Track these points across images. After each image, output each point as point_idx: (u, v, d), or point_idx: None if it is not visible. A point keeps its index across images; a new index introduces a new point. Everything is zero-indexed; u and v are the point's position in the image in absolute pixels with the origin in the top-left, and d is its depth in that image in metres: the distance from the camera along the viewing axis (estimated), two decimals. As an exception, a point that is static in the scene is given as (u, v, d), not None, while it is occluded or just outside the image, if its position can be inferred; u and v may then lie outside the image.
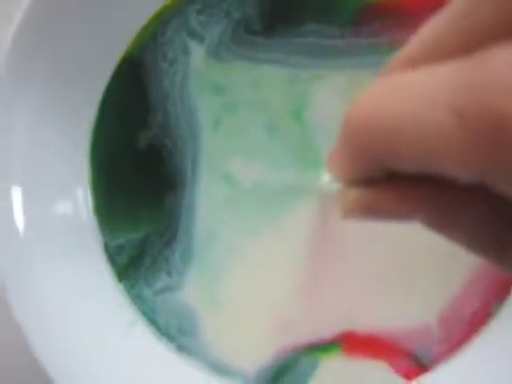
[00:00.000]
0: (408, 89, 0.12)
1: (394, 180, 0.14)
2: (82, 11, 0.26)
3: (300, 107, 0.27)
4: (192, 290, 0.27)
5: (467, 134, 0.11)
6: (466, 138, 0.11)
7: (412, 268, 0.27)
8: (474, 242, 0.15)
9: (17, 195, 0.26)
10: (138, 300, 0.27)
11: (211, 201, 0.27)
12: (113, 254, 0.28)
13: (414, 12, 0.27)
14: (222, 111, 0.27)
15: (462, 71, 0.11)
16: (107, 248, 0.28)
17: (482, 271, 0.27)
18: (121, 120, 0.27)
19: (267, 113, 0.27)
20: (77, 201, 0.27)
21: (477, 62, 0.11)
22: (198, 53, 0.27)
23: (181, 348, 0.27)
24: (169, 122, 0.27)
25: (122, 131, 0.27)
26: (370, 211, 0.15)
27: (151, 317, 0.27)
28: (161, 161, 0.27)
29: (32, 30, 0.25)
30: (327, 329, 0.27)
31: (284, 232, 0.27)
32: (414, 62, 0.14)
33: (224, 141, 0.27)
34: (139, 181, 0.27)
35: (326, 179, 0.27)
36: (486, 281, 0.27)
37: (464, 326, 0.27)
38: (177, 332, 0.27)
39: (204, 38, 0.27)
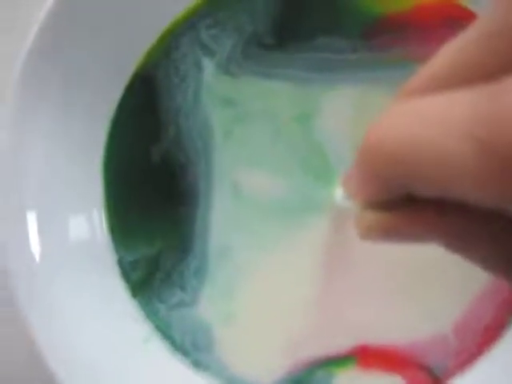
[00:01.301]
0: (428, 115, 0.12)
1: (411, 203, 0.15)
2: (94, 26, 0.26)
3: (309, 117, 0.27)
4: (206, 305, 0.27)
5: (486, 164, 0.11)
6: (485, 167, 0.11)
7: (426, 279, 0.27)
8: (489, 261, 0.15)
9: (32, 218, 0.26)
10: (152, 315, 0.28)
11: (224, 215, 0.27)
12: (127, 270, 0.28)
13: (424, 25, 0.27)
14: (232, 123, 0.27)
15: (483, 99, 0.11)
16: (121, 264, 0.28)
17: (496, 282, 0.27)
18: (133, 136, 0.28)
19: (276, 123, 0.27)
20: (91, 218, 0.28)
21: (497, 91, 0.11)
22: (209, 67, 0.27)
23: (196, 363, 0.27)
24: (181, 136, 0.28)
25: (135, 147, 0.28)
26: (388, 234, 0.15)
27: (166, 332, 0.28)
28: (174, 176, 0.28)
29: (45, 48, 0.25)
30: (342, 343, 0.27)
31: (297, 246, 0.27)
32: (432, 87, 0.14)
33: (235, 153, 0.28)
34: (153, 196, 0.28)
35: (339, 194, 0.27)
36: (500, 292, 0.27)
37: (478, 338, 0.27)
38: (192, 347, 0.27)
39: (215, 53, 0.27)
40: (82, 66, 0.26)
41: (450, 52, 0.14)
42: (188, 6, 0.27)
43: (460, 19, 0.26)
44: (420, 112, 0.13)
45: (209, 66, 0.27)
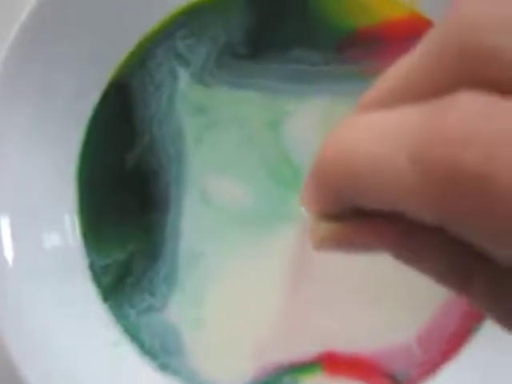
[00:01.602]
0: (377, 132, 0.13)
1: (362, 215, 0.15)
2: (72, 34, 0.27)
3: (278, 127, 0.28)
4: (175, 311, 0.28)
5: (425, 182, 0.12)
6: (424, 185, 0.12)
7: (390, 289, 0.27)
8: (440, 274, 0.15)
9: (5, 223, 0.26)
10: (122, 320, 0.28)
11: (194, 222, 0.28)
12: (98, 274, 0.28)
13: (394, 39, 0.27)
14: (204, 130, 0.28)
15: (424, 119, 0.12)
16: (93, 268, 0.28)
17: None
18: (108, 143, 0.28)
19: (246, 132, 0.28)
20: (64, 223, 0.28)
21: (438, 111, 0.12)
22: (184, 76, 0.28)
23: (164, 367, 0.28)
24: (155, 143, 0.28)
25: (109, 154, 0.28)
26: (340, 244, 0.16)
27: (135, 336, 0.28)
28: (147, 182, 0.28)
29: (21, 56, 0.25)
30: (308, 349, 0.28)
31: (265, 253, 0.28)
32: (382, 102, 0.14)
33: (205, 160, 0.28)
34: (125, 203, 0.28)
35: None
36: (464, 301, 0.28)
37: (442, 347, 0.27)
38: (161, 351, 0.28)
39: (190, 63, 0.28)
40: (59, 73, 0.27)
41: (404, 67, 0.14)
42: (164, 16, 0.28)
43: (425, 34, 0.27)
44: (367, 127, 0.13)
45: (183, 75, 0.28)
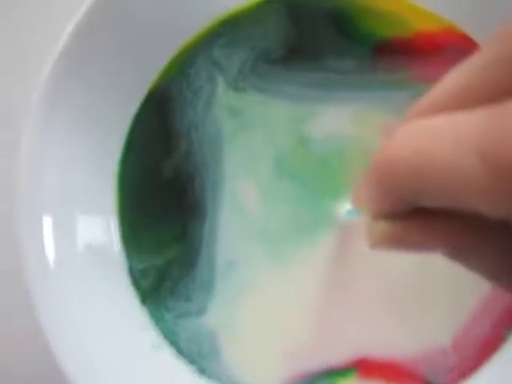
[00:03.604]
0: (439, 132, 0.13)
1: (421, 213, 0.15)
2: (113, 45, 0.27)
3: (308, 135, 0.28)
4: (211, 316, 0.28)
5: (494, 178, 0.12)
6: (493, 182, 0.12)
7: (426, 294, 0.28)
8: (494, 272, 0.16)
9: (47, 224, 0.27)
10: (160, 323, 0.28)
11: (230, 228, 0.28)
12: (137, 278, 0.28)
13: (431, 50, 0.28)
14: (236, 133, 0.28)
15: (491, 118, 0.13)
16: (132, 271, 0.28)
17: (495, 295, 0.28)
18: (147, 151, 0.29)
19: (276, 140, 0.28)
20: (105, 225, 0.28)
21: (502, 112, 0.12)
22: (220, 82, 0.29)
23: (201, 371, 0.28)
24: (192, 149, 0.29)
25: (149, 161, 0.29)
26: (398, 243, 0.16)
27: (173, 339, 0.28)
28: (185, 188, 0.29)
29: (68, 65, 0.26)
30: (343, 355, 0.28)
31: (301, 260, 0.28)
32: (440, 108, 0.15)
33: (238, 165, 0.28)
34: (164, 208, 0.28)
35: (344, 208, 0.28)
36: (496, 307, 0.28)
37: (476, 352, 0.28)
38: (197, 355, 0.28)
39: (226, 69, 0.28)
40: (102, 83, 0.27)
41: (458, 76, 0.15)
42: (203, 27, 0.28)
43: (460, 46, 0.28)
44: (431, 129, 0.14)
45: (220, 81, 0.28)
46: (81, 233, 0.28)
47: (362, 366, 0.28)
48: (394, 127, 0.15)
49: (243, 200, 0.28)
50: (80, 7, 0.26)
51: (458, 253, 0.16)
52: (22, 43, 0.32)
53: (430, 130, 0.14)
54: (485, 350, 0.28)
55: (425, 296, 0.28)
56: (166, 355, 0.28)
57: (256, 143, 0.28)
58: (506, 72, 0.14)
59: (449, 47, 0.28)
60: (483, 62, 0.14)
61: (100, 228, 0.28)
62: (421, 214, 0.15)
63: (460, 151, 0.13)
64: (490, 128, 0.12)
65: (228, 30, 0.28)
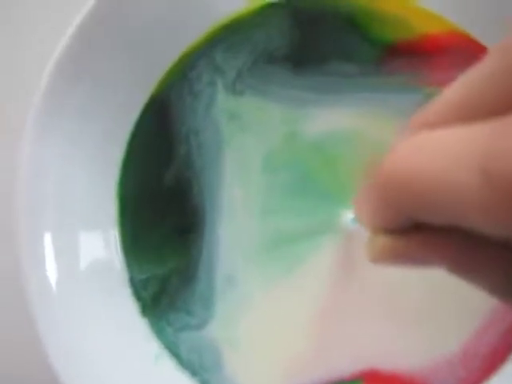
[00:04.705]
0: (439, 148, 0.13)
1: (421, 228, 0.15)
2: (113, 51, 0.27)
3: (303, 134, 0.28)
4: (212, 329, 0.28)
5: (494, 196, 0.12)
6: (493, 200, 0.12)
7: (432, 306, 0.27)
8: (496, 288, 0.15)
9: (48, 240, 0.27)
10: (160, 335, 0.28)
11: (230, 242, 0.28)
12: (138, 288, 0.28)
13: (436, 53, 0.28)
14: (234, 136, 0.28)
15: (494, 134, 0.12)
16: (133, 282, 0.28)
17: (503, 306, 0.27)
18: (147, 158, 0.28)
19: (273, 140, 0.28)
20: (105, 237, 0.28)
21: (505, 127, 0.12)
22: (220, 85, 0.28)
23: (204, 383, 0.28)
24: (191, 154, 0.28)
25: (149, 169, 0.28)
26: (398, 258, 0.16)
27: (174, 351, 0.28)
28: (184, 197, 0.28)
29: (66, 71, 0.26)
30: (347, 366, 0.27)
31: (303, 271, 0.28)
32: (443, 120, 0.15)
33: (236, 169, 0.28)
34: (165, 217, 0.28)
35: (346, 215, 0.27)
36: (507, 316, 0.27)
37: (485, 363, 0.27)
38: (199, 367, 0.28)
39: (226, 72, 0.28)
40: (102, 88, 0.27)
41: (462, 87, 0.14)
42: (206, 31, 0.28)
43: (466, 48, 0.27)
44: (432, 145, 0.13)
45: (220, 83, 0.28)
46: (81, 245, 0.27)
47: (369, 377, 0.27)
48: (398, 136, 0.15)
49: (241, 208, 0.28)
50: (80, 9, 0.26)
51: (459, 268, 0.15)
52: (22, 43, 0.32)
53: (430, 145, 0.13)
54: (493, 361, 0.27)
55: (432, 307, 0.27)
56: (169, 367, 0.28)
57: (253, 147, 0.28)
58: (508, 85, 0.13)
59: (454, 50, 0.27)
60: (485, 74, 0.14)
61: (100, 239, 0.28)
62: (422, 229, 0.15)
63: (461, 168, 0.12)
64: (491, 144, 0.12)
65: (230, 34, 0.28)
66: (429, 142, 0.13)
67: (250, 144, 0.28)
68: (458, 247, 0.15)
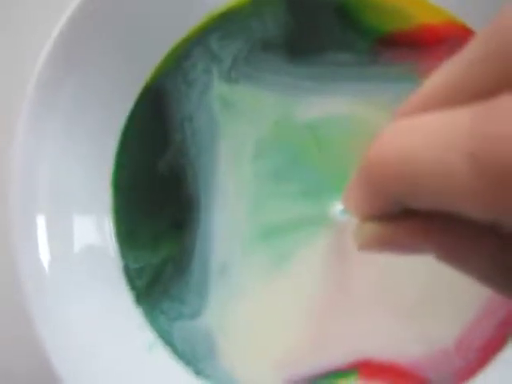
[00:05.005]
0: (427, 132, 0.13)
1: (409, 215, 0.15)
2: (107, 39, 0.27)
3: (297, 122, 0.28)
4: (206, 319, 0.28)
5: (481, 179, 0.12)
6: (480, 183, 0.12)
7: (426, 297, 0.27)
8: (485, 274, 0.15)
9: (41, 223, 0.27)
10: (154, 324, 0.28)
11: (224, 231, 0.28)
12: (132, 277, 0.28)
13: (433, 43, 0.27)
14: (229, 124, 0.28)
15: (478, 118, 0.12)
16: (127, 270, 0.28)
17: (498, 297, 0.27)
18: (142, 146, 0.28)
19: (266, 128, 0.28)
20: (99, 224, 0.28)
21: (491, 109, 0.12)
22: (215, 73, 0.28)
23: (197, 372, 0.28)
24: (185, 141, 0.28)
25: (143, 157, 0.28)
26: (386, 245, 0.16)
27: (168, 340, 0.28)
28: (178, 184, 0.28)
29: (59, 60, 0.26)
30: (342, 356, 0.27)
31: (296, 262, 0.28)
32: (429, 106, 0.14)
33: (230, 156, 0.28)
34: (160, 206, 0.28)
35: (337, 208, 0.27)
36: (502, 307, 0.27)
37: (480, 353, 0.27)
38: (193, 356, 0.28)
39: (222, 59, 0.28)
40: (95, 77, 0.27)
41: (447, 73, 0.14)
42: (201, 20, 0.28)
43: (461, 38, 0.27)
44: (419, 129, 0.13)
45: (215, 71, 0.28)
46: (75, 231, 0.27)
47: (364, 367, 0.27)
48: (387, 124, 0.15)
49: (234, 197, 0.28)
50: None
51: (446, 254, 0.15)
52: (22, 43, 0.32)
53: (417, 130, 0.13)
54: (488, 351, 0.27)
55: (427, 298, 0.27)
56: (163, 356, 0.28)
57: (247, 134, 0.28)
58: (494, 67, 0.13)
59: (451, 40, 0.27)
60: (471, 58, 0.14)
61: (95, 226, 0.28)
62: (409, 216, 0.15)
63: (448, 152, 0.12)
64: (478, 128, 0.12)
65: (225, 22, 0.28)
66: (416, 126, 0.13)
67: (243, 131, 0.28)
68: (446, 233, 0.15)
